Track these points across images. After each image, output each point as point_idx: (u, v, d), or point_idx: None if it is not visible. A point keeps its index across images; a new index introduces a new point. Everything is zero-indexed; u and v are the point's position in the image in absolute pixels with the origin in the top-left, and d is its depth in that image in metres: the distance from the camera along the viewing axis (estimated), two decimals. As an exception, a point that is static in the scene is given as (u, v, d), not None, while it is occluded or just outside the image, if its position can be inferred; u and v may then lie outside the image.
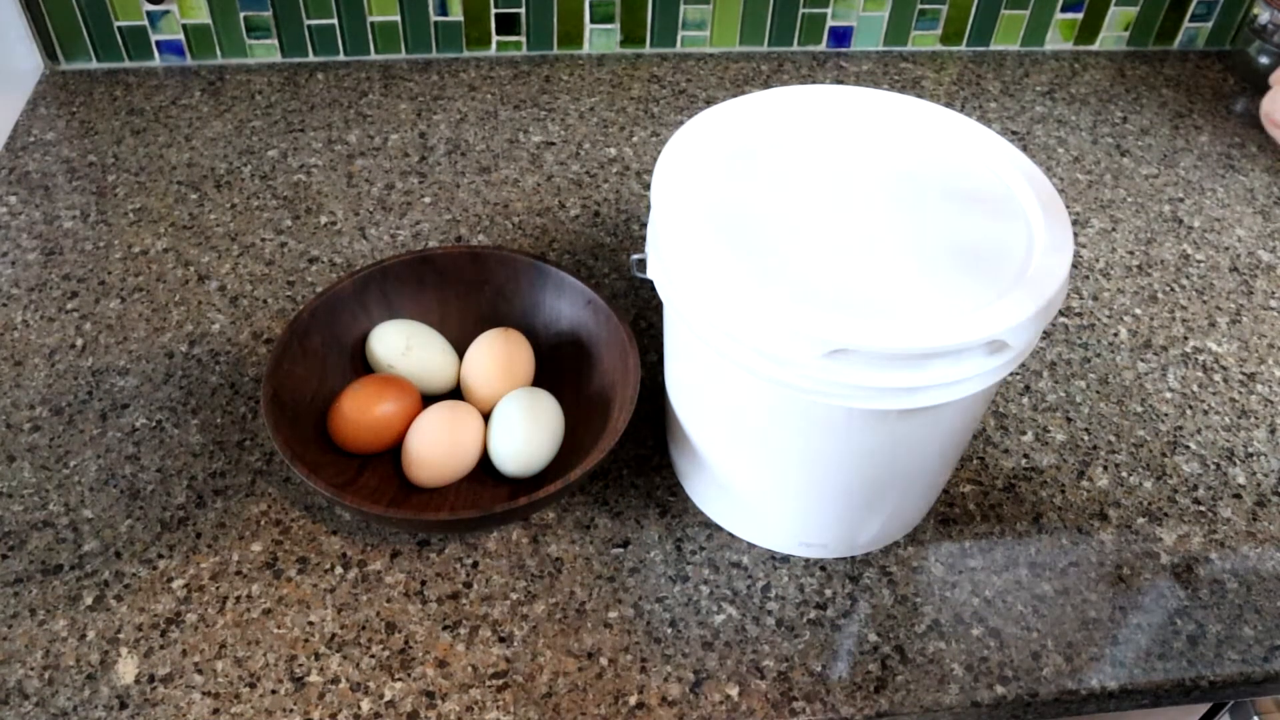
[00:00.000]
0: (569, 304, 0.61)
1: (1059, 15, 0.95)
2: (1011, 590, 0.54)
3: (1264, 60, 0.93)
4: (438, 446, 0.54)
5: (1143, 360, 0.67)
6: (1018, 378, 0.65)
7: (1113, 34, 0.97)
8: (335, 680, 0.49)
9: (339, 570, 0.53)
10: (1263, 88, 0.94)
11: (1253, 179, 0.83)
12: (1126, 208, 0.79)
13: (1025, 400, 0.64)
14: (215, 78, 0.87)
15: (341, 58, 0.90)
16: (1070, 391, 0.65)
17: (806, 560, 0.55)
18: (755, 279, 0.44)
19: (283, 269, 0.70)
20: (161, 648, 0.50)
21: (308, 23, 0.87)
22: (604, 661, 0.50)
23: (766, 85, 0.90)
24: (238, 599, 0.52)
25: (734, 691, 0.49)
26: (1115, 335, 0.69)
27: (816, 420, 0.46)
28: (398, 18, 0.88)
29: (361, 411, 0.55)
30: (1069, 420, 0.63)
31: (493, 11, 0.88)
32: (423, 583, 0.53)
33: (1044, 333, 0.68)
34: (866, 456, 0.48)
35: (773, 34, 0.93)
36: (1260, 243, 0.77)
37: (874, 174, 0.50)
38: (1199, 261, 0.75)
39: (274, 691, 0.48)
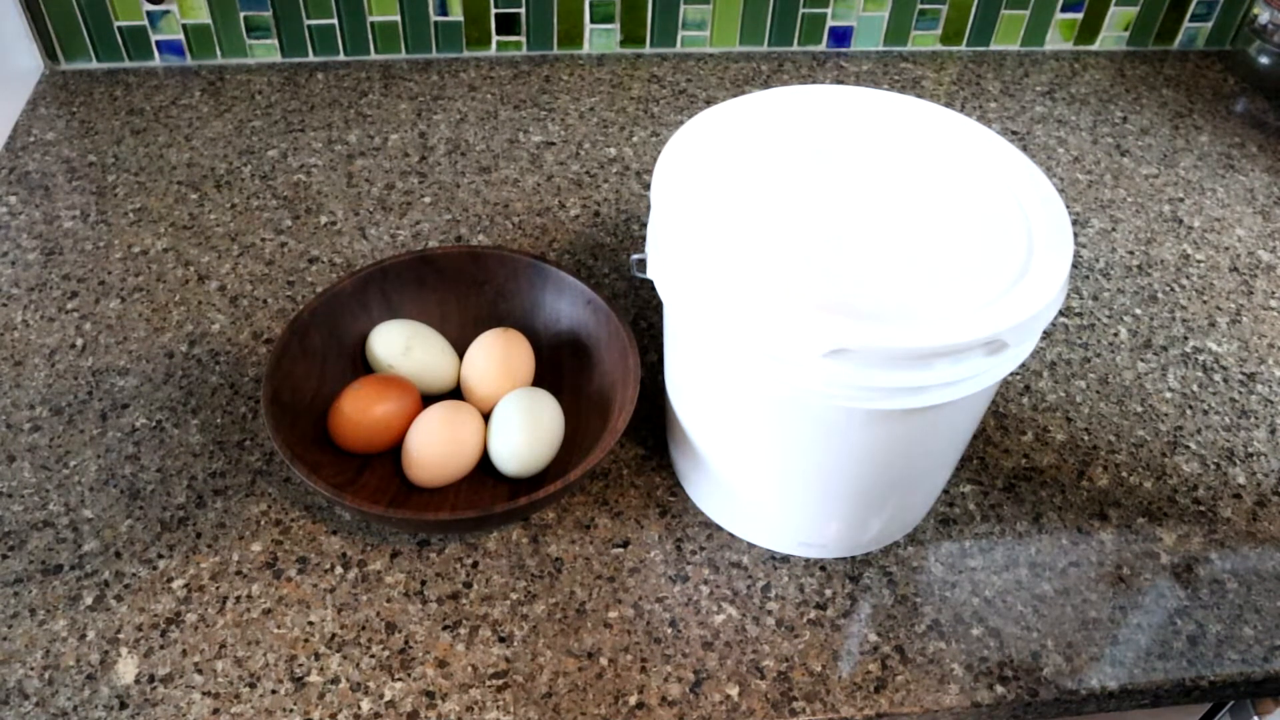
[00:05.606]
0: (569, 304, 0.61)
1: (1059, 15, 0.95)
2: (1011, 590, 0.54)
3: (1264, 60, 0.93)
4: (438, 446, 0.54)
5: (1143, 360, 0.67)
6: (1018, 378, 0.65)
7: (1113, 34, 0.97)
8: (335, 680, 0.49)
9: (339, 570, 0.53)
10: (1263, 88, 0.94)
11: (1253, 179, 0.83)
12: (1126, 208, 0.79)
13: (1025, 400, 0.64)
14: (215, 78, 0.87)
15: (341, 58, 0.90)
16: (1070, 391, 0.65)
17: (806, 560, 0.55)
18: (755, 279, 0.44)
19: (283, 269, 0.70)
20: (161, 648, 0.50)
21: (308, 23, 0.87)
22: (604, 661, 0.50)
23: (766, 85, 0.90)
24: (238, 599, 0.52)
25: (734, 691, 0.49)
26: (1115, 335, 0.69)
27: (816, 420, 0.46)
28: (398, 18, 0.88)
29: (361, 411, 0.55)
30: (1069, 420, 0.63)
31: (493, 11, 0.88)
32: (423, 583, 0.53)
33: (1044, 333, 0.68)
34: (867, 456, 0.48)
35: (773, 34, 0.93)
36: (1260, 243, 0.77)
37: (874, 174, 0.50)
38: (1199, 261, 0.75)
39: (274, 691, 0.48)
